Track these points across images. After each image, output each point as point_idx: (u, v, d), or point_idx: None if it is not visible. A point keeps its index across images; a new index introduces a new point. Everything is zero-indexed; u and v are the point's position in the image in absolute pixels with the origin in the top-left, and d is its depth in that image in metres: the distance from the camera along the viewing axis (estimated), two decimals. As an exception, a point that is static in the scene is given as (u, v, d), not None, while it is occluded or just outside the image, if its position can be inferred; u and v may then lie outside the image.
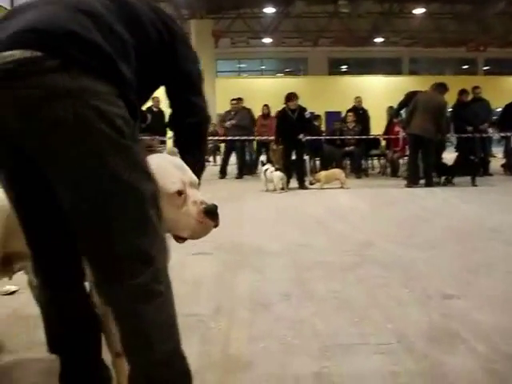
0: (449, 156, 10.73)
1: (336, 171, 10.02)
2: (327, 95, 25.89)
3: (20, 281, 2.53)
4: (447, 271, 3.74)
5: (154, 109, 11.29)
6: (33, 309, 2.40)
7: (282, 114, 10.01)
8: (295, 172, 10.01)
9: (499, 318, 2.77)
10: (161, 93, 1.95)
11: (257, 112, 13.05)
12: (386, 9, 24.01)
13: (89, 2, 1.55)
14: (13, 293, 3.19)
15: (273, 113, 12.42)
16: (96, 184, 1.42)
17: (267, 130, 12.56)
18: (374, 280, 3.53)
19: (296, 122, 9.85)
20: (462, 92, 11.39)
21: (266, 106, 13.13)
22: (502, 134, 11.98)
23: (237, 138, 12.01)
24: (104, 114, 1.40)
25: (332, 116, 18.87)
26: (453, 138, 11.80)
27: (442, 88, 9.54)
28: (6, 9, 13.53)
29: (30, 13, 1.50)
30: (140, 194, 1.47)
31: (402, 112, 11.15)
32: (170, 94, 1.88)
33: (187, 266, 3.79)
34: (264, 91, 23.91)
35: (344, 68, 31.74)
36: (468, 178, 9.35)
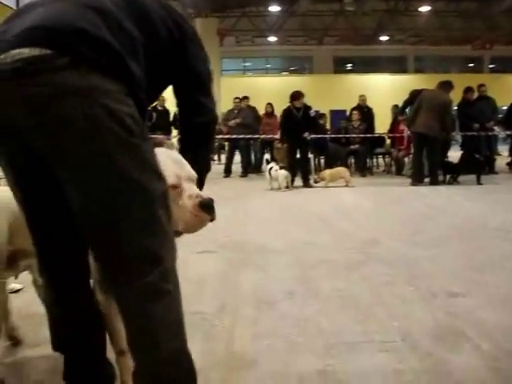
0: (454, 154, 10.70)
1: (341, 169, 10.01)
2: (332, 94, 25.90)
3: (25, 279, 2.54)
4: (452, 269, 3.73)
5: (159, 107, 11.30)
6: (37, 307, 2.42)
7: (287, 112, 9.99)
8: (300, 170, 10.00)
9: (503, 317, 2.77)
10: (166, 91, 1.93)
11: (262, 111, 13.05)
12: (391, 7, 24.00)
13: None
14: (18, 291, 3.20)
15: (278, 111, 12.42)
16: (105, 183, 1.42)
17: (271, 128, 12.60)
18: (379, 278, 3.53)
19: (301, 120, 9.84)
20: (468, 90, 11.35)
21: (269, 104, 13.15)
22: (508, 132, 11.96)
23: (241, 136, 12.02)
24: (113, 112, 1.40)
25: (337, 114, 18.85)
26: (458, 136, 11.76)
27: (447, 86, 9.50)
28: (12, 8, 13.59)
29: (39, 10, 1.49)
30: (149, 193, 1.47)
31: (408, 110, 11.12)
32: (178, 93, 1.84)
33: (191, 265, 3.80)
34: (269, 90, 23.94)
35: (349, 66, 31.74)
36: (473, 177, 9.32)
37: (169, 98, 1.96)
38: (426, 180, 9.37)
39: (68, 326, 1.74)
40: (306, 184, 9.74)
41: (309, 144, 10.38)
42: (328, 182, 9.50)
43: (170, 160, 1.70)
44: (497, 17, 23.36)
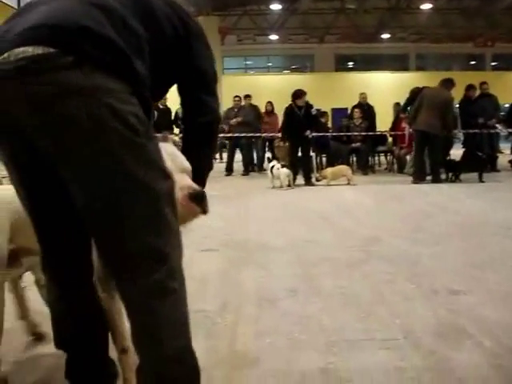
0: (456, 152, 10.68)
1: (342, 168, 10.01)
2: (334, 92, 25.87)
3: (27, 278, 2.54)
4: (453, 267, 3.73)
5: (161, 106, 11.29)
6: (40, 305, 2.43)
7: (289, 110, 9.98)
8: (302, 169, 10.01)
9: (505, 313, 2.77)
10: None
11: (263, 109, 13.07)
12: (392, 4, 23.97)
13: None
14: (21, 289, 3.20)
15: (279, 110, 12.42)
16: (109, 182, 1.42)
17: (271, 126, 12.63)
18: (380, 276, 3.53)
19: (303, 118, 9.83)
20: (470, 88, 11.34)
21: (269, 102, 13.20)
22: (510, 130, 11.93)
23: (243, 134, 12.03)
24: (117, 112, 1.39)
25: (338, 113, 18.82)
26: (460, 134, 11.75)
27: (448, 83, 9.49)
28: (13, 8, 13.59)
29: (43, 8, 1.48)
30: (155, 192, 1.47)
31: (410, 108, 11.11)
32: (182, 92, 1.82)
33: (193, 263, 3.80)
34: (270, 88, 23.93)
35: (350, 64, 31.69)
36: (475, 175, 9.31)
37: (170, 97, 1.94)
38: (428, 178, 9.36)
39: (71, 323, 1.74)
40: (308, 182, 9.74)
41: (310, 142, 10.38)
42: (330, 180, 9.50)
43: (163, 152, 1.70)
44: (499, 14, 23.31)
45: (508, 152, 12.58)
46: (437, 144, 9.15)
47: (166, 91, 1.87)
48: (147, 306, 1.46)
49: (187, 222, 1.74)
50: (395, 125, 12.21)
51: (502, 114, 12.49)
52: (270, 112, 13.08)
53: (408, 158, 11.20)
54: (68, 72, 1.36)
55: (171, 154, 1.72)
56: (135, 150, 1.44)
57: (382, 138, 12.52)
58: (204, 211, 1.72)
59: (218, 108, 1.89)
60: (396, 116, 12.42)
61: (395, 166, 11.95)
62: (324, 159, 12.36)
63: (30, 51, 1.36)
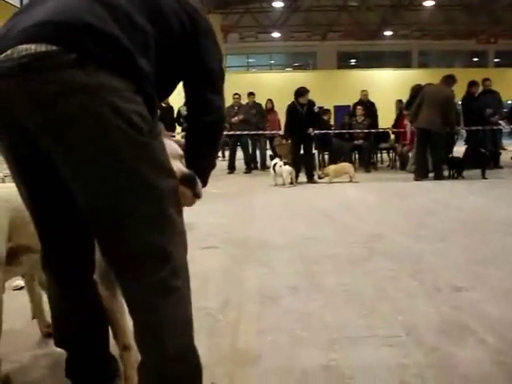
0: (459, 149, 10.67)
1: (345, 165, 10.00)
2: (336, 89, 25.84)
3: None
4: (456, 263, 3.72)
5: (163, 104, 11.29)
6: (43, 304, 2.44)
7: (291, 108, 9.96)
8: (304, 166, 10.00)
9: (507, 310, 2.76)
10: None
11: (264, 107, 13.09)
12: (395, 1, 23.93)
13: None
14: (22, 288, 3.20)
15: (282, 107, 12.43)
16: (112, 181, 1.41)
17: (271, 124, 12.65)
18: (383, 272, 3.52)
19: (305, 116, 9.82)
20: (472, 84, 11.31)
21: (269, 100, 13.25)
22: (513, 127, 11.91)
23: (245, 132, 12.04)
24: (121, 111, 1.38)
25: (341, 110, 18.81)
26: (463, 130, 11.72)
27: (449, 80, 9.48)
28: (15, 7, 13.59)
29: (47, 4, 1.47)
30: (158, 191, 1.46)
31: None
32: (187, 89, 1.78)
33: (195, 261, 3.76)
34: (273, 86, 23.93)
35: (353, 62, 31.64)
36: (478, 171, 9.30)
37: (173, 95, 1.92)
38: (431, 175, 9.35)
39: (71, 322, 1.74)
40: (311, 180, 9.73)
41: (313, 140, 10.37)
42: (332, 177, 9.50)
43: None
44: (501, 11, 23.25)
45: (511, 148, 12.54)
46: (439, 141, 9.14)
47: (173, 89, 1.83)
48: (150, 305, 1.46)
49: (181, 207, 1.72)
50: (398, 122, 12.20)
51: (504, 110, 12.45)
52: (270, 110, 13.13)
53: (410, 155, 11.18)
54: (71, 70, 1.35)
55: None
56: (139, 149, 1.43)
57: (384, 135, 12.52)
58: (196, 194, 1.70)
59: (223, 107, 1.85)
60: (399, 113, 12.40)
61: (397, 163, 11.95)
62: (326, 156, 12.36)
63: (33, 48, 1.35)
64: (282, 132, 11.51)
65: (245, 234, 4.96)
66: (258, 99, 13.02)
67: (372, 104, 12.52)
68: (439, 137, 9.12)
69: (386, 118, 12.97)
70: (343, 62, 31.02)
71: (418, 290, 3.15)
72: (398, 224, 5.28)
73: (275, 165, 9.33)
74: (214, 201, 6.58)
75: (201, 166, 1.76)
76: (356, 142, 11.64)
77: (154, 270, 1.45)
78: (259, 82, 24.89)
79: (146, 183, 1.44)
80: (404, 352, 2.30)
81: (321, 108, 11.91)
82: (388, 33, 27.59)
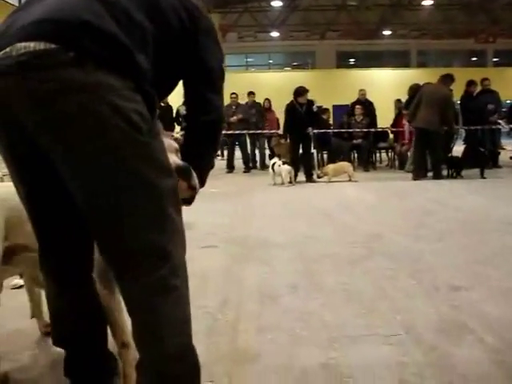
0: (458, 149, 10.67)
1: (344, 164, 10.00)
2: (335, 89, 25.82)
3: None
4: (455, 263, 3.73)
5: (162, 103, 11.29)
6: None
7: (290, 107, 9.95)
8: (303, 165, 10.00)
9: (506, 309, 2.77)
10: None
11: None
12: (394, 1, 23.95)
13: None
14: (21, 287, 3.20)
15: (281, 107, 12.44)
16: (111, 180, 1.41)
17: (269, 123, 12.68)
18: (382, 272, 3.53)
19: (304, 115, 9.81)
20: (470, 83, 11.31)
21: (267, 99, 13.26)
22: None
23: (244, 131, 12.04)
24: (120, 109, 1.38)
25: (340, 109, 18.79)
26: (461, 130, 11.72)
27: (447, 79, 9.48)
28: (13, 5, 13.58)
29: (45, 2, 1.46)
30: (158, 190, 1.46)
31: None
32: (186, 88, 1.77)
33: (195, 260, 3.77)
34: (272, 85, 23.91)
35: (352, 61, 31.63)
36: (477, 171, 9.31)
37: (171, 94, 1.91)
38: (430, 174, 9.36)
39: (69, 321, 1.74)
40: (309, 179, 9.74)
41: (311, 139, 10.37)
42: (331, 176, 9.50)
43: None
44: (500, 10, 23.26)
45: (510, 148, 12.54)
46: (437, 141, 9.14)
47: (173, 88, 1.81)
48: (149, 304, 1.46)
49: (181, 206, 1.72)
50: (396, 121, 12.20)
51: (503, 110, 12.46)
52: (268, 109, 13.18)
53: (409, 154, 11.18)
54: (70, 68, 1.35)
55: None
56: (138, 148, 1.42)
57: (383, 135, 12.52)
58: (191, 186, 1.69)
59: (222, 106, 1.84)
60: (398, 113, 12.40)
61: (396, 163, 11.95)
62: (325, 156, 12.36)
63: (32, 46, 1.35)
64: (280, 131, 11.50)
65: (244, 233, 4.96)
66: (256, 99, 13.04)
67: (370, 103, 12.52)
68: (438, 136, 9.12)
69: (384, 118, 12.98)
70: (342, 61, 31.00)
71: (417, 290, 3.15)
72: (397, 223, 5.29)
73: (274, 164, 9.33)
74: (214, 200, 6.58)
75: (199, 165, 1.76)
76: (355, 141, 11.65)
77: (153, 268, 1.45)
78: (258, 82, 24.88)
79: (146, 182, 1.44)
80: (403, 351, 2.31)
81: (319, 107, 11.92)
82: (387, 32, 27.59)
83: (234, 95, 12.45)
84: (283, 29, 26.90)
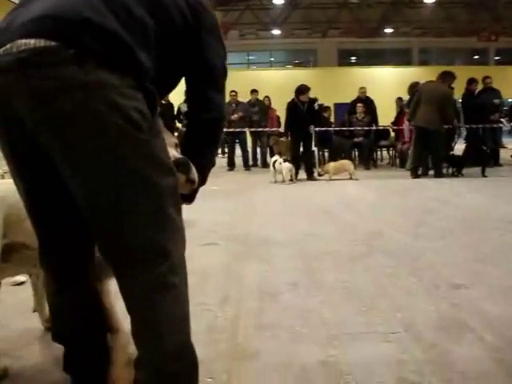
0: (459, 147, 10.67)
1: (345, 162, 9.99)
2: (336, 86, 25.74)
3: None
4: (455, 261, 3.73)
5: (163, 101, 11.28)
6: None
7: (291, 105, 9.94)
8: (304, 163, 9.99)
9: (506, 308, 2.76)
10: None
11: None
12: (395, -1, 23.88)
13: None
14: (21, 283, 3.21)
15: (282, 104, 12.43)
16: (111, 178, 1.41)
17: (269, 121, 12.72)
18: (382, 269, 3.53)
19: (306, 113, 9.80)
20: (471, 81, 11.28)
21: (267, 97, 13.26)
22: (513, 124, 11.90)
23: (245, 129, 12.04)
24: (120, 107, 1.38)
25: (341, 107, 18.78)
26: (462, 128, 11.70)
27: (446, 77, 9.46)
28: (13, 3, 13.58)
29: None
30: (158, 188, 1.46)
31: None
32: (188, 86, 1.77)
33: (195, 257, 3.79)
34: (273, 83, 23.86)
35: (353, 59, 31.57)
36: (478, 169, 9.29)
37: (172, 92, 1.90)
38: (431, 173, 9.35)
39: (69, 317, 1.73)
40: (310, 177, 9.73)
41: (312, 137, 10.36)
42: (332, 174, 9.49)
43: None
44: (502, 8, 23.21)
45: (511, 147, 12.54)
46: (438, 139, 9.11)
47: (175, 85, 1.80)
48: (148, 301, 1.46)
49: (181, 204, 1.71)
50: (398, 119, 12.18)
51: (504, 108, 12.44)
52: (268, 106, 13.21)
53: (410, 152, 11.16)
54: (70, 66, 1.35)
55: None
56: (138, 146, 1.42)
57: (384, 133, 12.50)
58: (189, 180, 1.69)
59: (224, 104, 1.84)
60: (399, 111, 12.38)
61: (397, 161, 11.93)
62: (326, 154, 12.35)
63: (32, 43, 1.35)
64: (282, 129, 11.50)
65: (245, 231, 4.96)
66: (258, 96, 13.02)
67: (371, 101, 12.50)
68: (439, 135, 9.10)
69: (386, 116, 12.95)
70: (344, 59, 30.93)
71: (417, 288, 3.15)
72: (398, 221, 5.29)
73: (275, 162, 9.33)
74: (214, 198, 6.58)
75: (200, 163, 1.75)
76: (356, 139, 11.64)
77: (153, 266, 1.45)
78: (259, 80, 24.83)
79: (146, 180, 1.44)
80: (402, 348, 2.31)
81: (321, 105, 11.90)
82: (388, 30, 27.54)
83: (234, 93, 12.43)
84: (285, 27, 26.86)
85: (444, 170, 9.39)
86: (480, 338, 2.40)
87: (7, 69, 1.36)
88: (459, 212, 5.78)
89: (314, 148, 10.61)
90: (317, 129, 10.50)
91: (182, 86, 1.81)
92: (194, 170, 1.70)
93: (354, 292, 3.09)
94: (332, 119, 14.31)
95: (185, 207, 1.68)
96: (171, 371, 1.50)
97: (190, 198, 1.77)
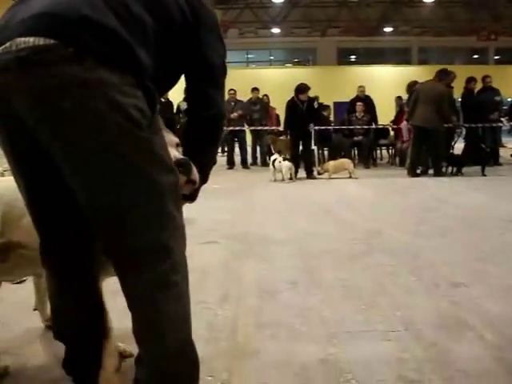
0: (459, 146, 10.66)
1: (344, 161, 9.99)
2: (336, 85, 25.72)
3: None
4: (455, 259, 3.73)
5: (163, 99, 11.27)
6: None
7: (291, 103, 9.93)
8: (303, 162, 9.99)
9: (506, 306, 2.76)
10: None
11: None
12: (395, -2, 23.85)
13: None
14: (22, 281, 3.20)
15: (281, 103, 12.42)
16: (112, 176, 1.41)
17: (268, 119, 12.71)
18: (382, 268, 3.53)
19: (305, 112, 9.79)
20: (470, 80, 11.27)
21: (265, 95, 13.23)
22: (513, 124, 11.90)
23: (244, 128, 12.04)
24: (120, 105, 1.38)
25: (341, 106, 18.78)
26: (462, 127, 11.71)
27: (442, 75, 9.47)
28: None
29: None
30: (158, 186, 1.46)
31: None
32: (188, 83, 1.76)
33: (195, 255, 3.77)
34: (272, 81, 23.84)
35: (353, 58, 31.55)
36: (477, 168, 9.29)
37: (172, 90, 1.89)
38: (430, 171, 9.35)
39: (70, 316, 1.73)
40: (310, 175, 9.73)
41: (312, 135, 10.36)
42: (331, 173, 9.49)
43: None
44: (502, 7, 23.20)
45: (510, 146, 12.54)
46: (437, 138, 9.10)
47: (174, 83, 1.80)
48: (150, 300, 1.46)
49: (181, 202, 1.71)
50: (397, 118, 12.17)
51: (504, 107, 12.44)
52: (266, 104, 13.15)
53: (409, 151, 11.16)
54: (69, 64, 1.34)
55: None
56: (138, 144, 1.42)
57: (384, 132, 12.51)
58: (191, 180, 1.68)
59: (223, 102, 1.83)
60: (399, 110, 12.38)
61: (397, 160, 11.93)
62: (326, 152, 12.34)
63: (31, 42, 1.34)
64: (281, 128, 11.49)
65: (245, 229, 4.96)
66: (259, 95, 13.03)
67: (370, 100, 12.48)
68: (438, 134, 9.09)
69: (385, 115, 12.95)
70: (343, 58, 30.90)
71: (417, 286, 3.15)
72: (397, 220, 5.29)
73: (275, 160, 9.32)
74: (214, 196, 6.57)
75: (201, 161, 1.75)
76: (356, 138, 11.63)
77: (155, 265, 1.45)
78: (259, 78, 24.79)
79: (147, 179, 1.44)
80: (402, 347, 2.31)
81: (320, 104, 11.90)
82: (388, 29, 27.51)
83: (233, 91, 12.42)
84: (284, 25, 26.83)
85: (443, 169, 9.39)
86: (480, 336, 2.40)
87: (6, 67, 1.36)
88: (459, 211, 5.78)
89: (313, 147, 10.61)
90: (316, 127, 10.50)
91: (181, 83, 1.81)
92: (195, 170, 1.69)
93: (353, 290, 3.09)
94: (331, 118, 14.30)
95: (185, 205, 1.67)
96: (172, 369, 1.50)
97: (191, 197, 1.77)
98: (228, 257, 3.95)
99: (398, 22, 26.12)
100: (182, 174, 1.64)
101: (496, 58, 30.78)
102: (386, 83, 24.94)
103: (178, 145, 1.75)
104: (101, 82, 1.36)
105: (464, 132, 11.71)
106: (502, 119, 11.49)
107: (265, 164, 12.26)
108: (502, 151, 11.68)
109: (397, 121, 12.16)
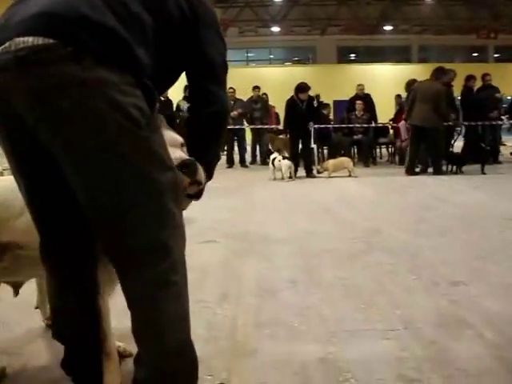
0: (459, 144, 10.66)
1: (344, 160, 9.99)
2: (336, 84, 25.70)
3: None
4: (454, 258, 3.72)
5: (162, 98, 11.26)
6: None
7: (291, 102, 9.92)
8: (303, 161, 9.98)
9: (506, 305, 2.76)
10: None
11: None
12: (395, -4, 23.83)
13: None
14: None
15: (281, 101, 12.42)
16: (112, 175, 1.41)
17: (268, 118, 12.73)
18: (381, 267, 3.53)
19: (305, 111, 9.79)
20: (469, 78, 11.27)
21: (264, 94, 13.23)
22: (512, 122, 11.89)
23: (245, 126, 12.04)
24: (119, 104, 1.38)
25: (341, 104, 18.78)
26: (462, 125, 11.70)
27: (439, 73, 9.46)
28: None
29: None
30: (158, 184, 1.46)
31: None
32: (189, 81, 1.75)
33: (195, 254, 3.78)
34: (272, 80, 23.83)
35: (353, 56, 31.54)
36: (477, 167, 9.29)
37: (171, 89, 1.89)
38: (430, 170, 9.35)
39: (69, 316, 1.73)
40: (309, 174, 9.72)
41: (311, 134, 10.36)
42: (331, 172, 9.49)
43: None
44: (502, 5, 23.18)
45: (510, 144, 12.52)
46: (436, 136, 9.09)
47: (174, 80, 1.79)
48: (150, 299, 1.46)
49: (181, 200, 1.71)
50: (398, 117, 12.16)
51: (504, 105, 12.43)
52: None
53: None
54: (68, 64, 1.34)
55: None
56: (137, 143, 1.42)
57: (383, 130, 12.50)
58: (196, 181, 1.68)
59: (226, 98, 1.82)
60: (399, 108, 12.37)
61: (397, 158, 11.92)
62: (326, 151, 12.34)
63: (30, 41, 1.34)
64: (281, 126, 11.49)
65: (244, 228, 4.96)
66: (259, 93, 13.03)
67: (370, 98, 12.47)
68: (437, 132, 9.08)
69: (385, 113, 12.94)
70: (343, 56, 30.88)
71: (416, 285, 3.15)
72: (397, 219, 5.29)
73: (274, 159, 9.32)
74: (214, 195, 6.55)
75: (205, 158, 1.74)
76: (355, 136, 11.63)
77: (155, 263, 1.46)
78: (259, 77, 24.78)
79: (146, 177, 1.44)
80: (402, 345, 2.31)
81: (320, 103, 11.89)
82: (388, 27, 27.48)
83: (232, 90, 12.41)
84: (284, 24, 26.79)
85: (443, 168, 9.38)
86: (480, 334, 2.40)
87: (5, 67, 1.36)
88: (458, 209, 5.77)
89: (313, 145, 10.59)
90: (316, 126, 10.49)
91: (181, 82, 1.80)
92: (200, 170, 1.68)
93: (353, 289, 3.09)
94: (331, 116, 14.28)
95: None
96: (171, 369, 1.50)
97: (197, 195, 1.76)
98: (227, 256, 3.95)
99: (398, 20, 26.08)
100: (187, 175, 1.63)
101: (496, 56, 30.77)
102: (386, 82, 24.92)
103: (182, 145, 1.74)
104: (100, 82, 1.36)
105: (464, 130, 11.71)
106: (503, 117, 11.47)
107: (264, 163, 12.25)
108: (501, 149, 11.67)
109: (396, 119, 12.15)
